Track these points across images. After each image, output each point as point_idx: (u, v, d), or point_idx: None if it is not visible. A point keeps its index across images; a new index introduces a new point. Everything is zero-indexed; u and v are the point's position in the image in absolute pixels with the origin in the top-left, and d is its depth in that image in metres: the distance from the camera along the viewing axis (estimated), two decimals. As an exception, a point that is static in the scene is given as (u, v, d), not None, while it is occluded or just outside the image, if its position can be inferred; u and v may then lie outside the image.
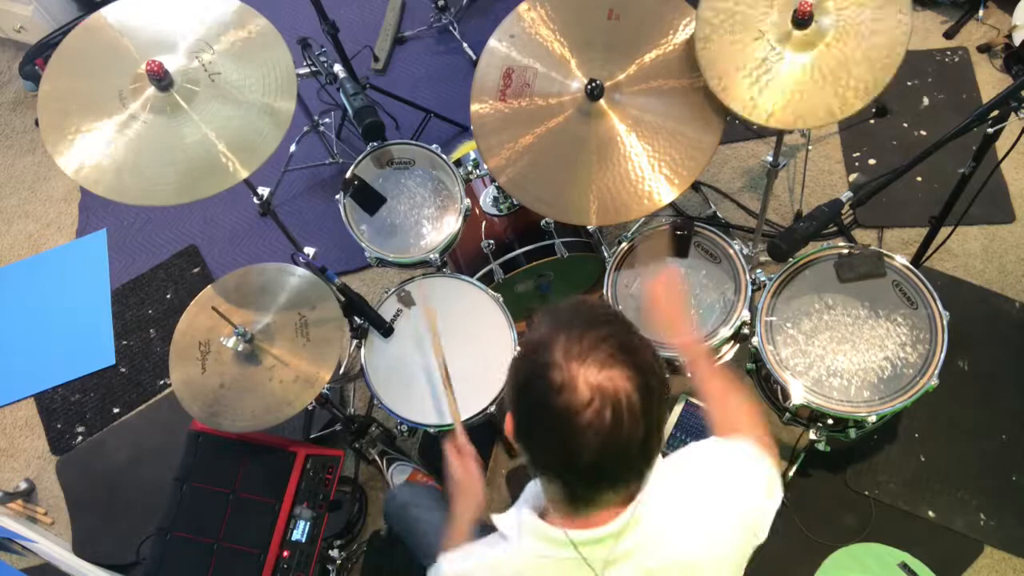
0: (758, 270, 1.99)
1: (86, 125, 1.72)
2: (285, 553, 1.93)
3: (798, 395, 1.76)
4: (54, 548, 2.43)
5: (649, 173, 1.81)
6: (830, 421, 1.83)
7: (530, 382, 0.95)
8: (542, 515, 1.06)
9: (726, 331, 1.88)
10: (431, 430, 1.90)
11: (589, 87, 1.81)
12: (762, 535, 1.12)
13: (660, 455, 1.04)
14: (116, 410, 2.74)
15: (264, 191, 2.06)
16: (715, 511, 1.08)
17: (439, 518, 1.47)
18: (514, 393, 0.99)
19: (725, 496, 1.10)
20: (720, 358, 2.04)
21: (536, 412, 0.95)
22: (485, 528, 1.14)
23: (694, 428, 2.02)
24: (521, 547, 1.06)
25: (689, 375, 1.44)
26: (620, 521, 1.01)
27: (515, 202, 2.24)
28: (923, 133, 2.71)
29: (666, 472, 1.07)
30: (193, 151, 1.71)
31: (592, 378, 0.91)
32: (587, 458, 0.93)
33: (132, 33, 1.81)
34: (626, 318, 1.01)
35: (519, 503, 1.12)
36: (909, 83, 2.80)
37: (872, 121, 2.77)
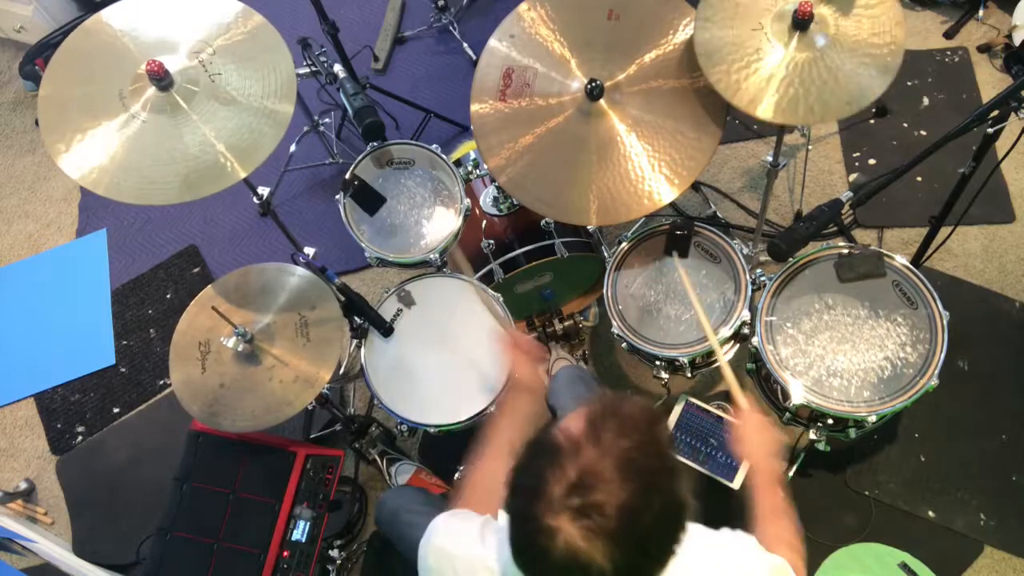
0: (758, 270, 1.99)
1: (86, 126, 1.72)
2: (285, 553, 1.93)
3: (798, 395, 1.76)
4: (54, 548, 2.43)
5: (649, 173, 1.81)
6: (830, 421, 1.83)
7: (522, 495, 0.91)
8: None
9: (726, 331, 1.88)
10: (431, 430, 1.90)
11: (589, 87, 1.81)
12: None
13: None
14: (116, 410, 2.74)
15: (264, 191, 2.06)
16: None
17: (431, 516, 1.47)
18: (510, 486, 0.95)
19: None
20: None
21: (515, 513, 0.93)
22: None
23: (694, 428, 2.02)
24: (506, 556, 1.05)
25: (751, 485, 1.44)
26: None
27: (515, 202, 2.24)
28: (923, 133, 2.71)
29: (698, 555, 1.03)
30: (193, 151, 1.71)
31: (571, 541, 0.85)
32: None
33: (132, 33, 1.81)
34: (656, 436, 0.92)
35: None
36: (909, 83, 2.80)
37: (872, 121, 2.77)
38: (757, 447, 1.46)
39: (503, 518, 1.07)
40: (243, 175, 1.70)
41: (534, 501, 0.88)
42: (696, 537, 1.02)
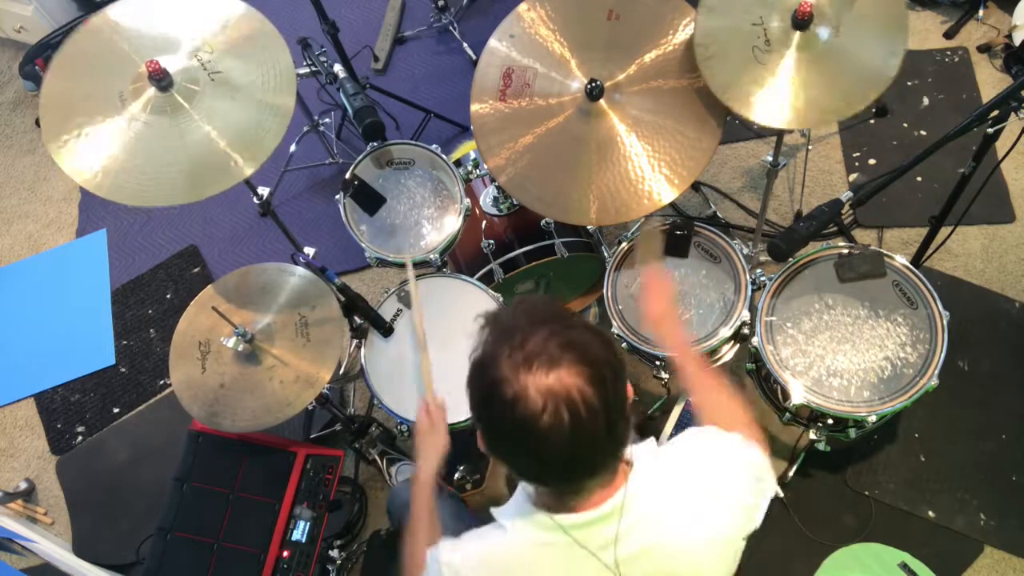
0: (758, 270, 1.99)
1: (88, 129, 1.72)
2: (285, 553, 1.93)
3: (798, 395, 1.76)
4: (54, 548, 2.43)
5: (649, 173, 1.81)
6: (830, 421, 1.83)
7: (485, 400, 0.97)
8: (535, 505, 1.08)
9: (726, 331, 1.88)
10: (431, 430, 1.89)
11: (589, 87, 1.81)
12: (755, 522, 1.14)
13: (654, 440, 1.10)
14: (116, 410, 2.74)
15: (264, 191, 2.06)
16: (709, 496, 1.10)
17: (443, 515, 1.48)
18: (475, 412, 1.01)
19: (720, 483, 1.12)
20: (719, 359, 2.04)
21: (498, 427, 0.97)
22: (477, 519, 1.15)
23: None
24: (516, 536, 1.08)
25: (679, 373, 1.46)
26: (611, 503, 1.04)
27: (515, 202, 2.24)
28: (923, 133, 2.71)
29: (662, 457, 1.10)
30: (194, 150, 1.71)
31: (541, 383, 0.92)
32: (557, 460, 0.96)
33: (131, 34, 1.81)
34: (564, 310, 1.02)
35: (516, 495, 1.14)
36: (909, 83, 2.80)
37: (872, 121, 2.77)
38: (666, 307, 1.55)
39: (499, 514, 1.12)
40: (248, 173, 1.70)
41: (499, 390, 0.94)
42: (662, 448, 1.13)
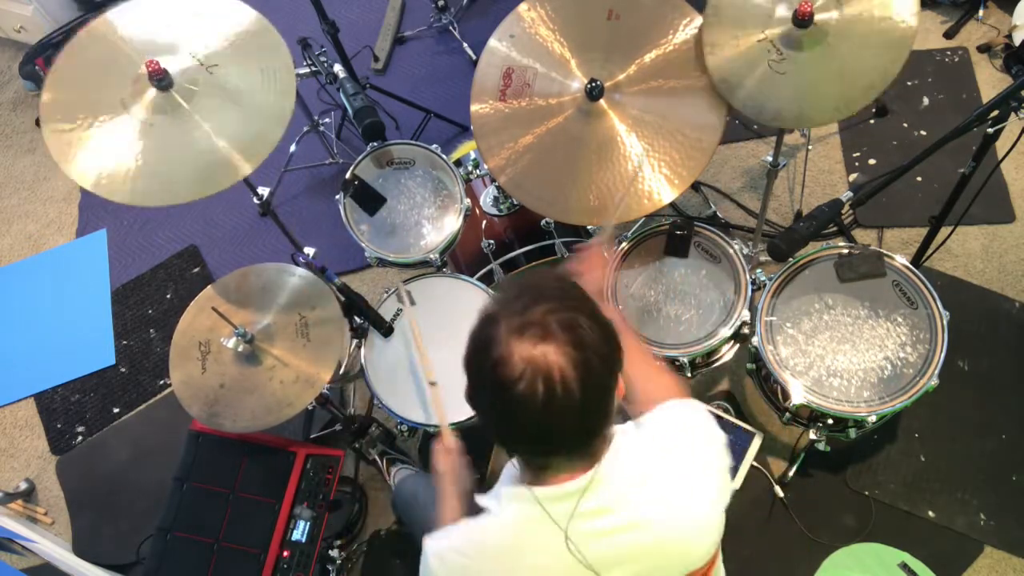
0: (758, 270, 1.99)
1: (89, 130, 1.72)
2: (285, 553, 1.93)
3: (798, 395, 1.76)
4: (54, 548, 2.43)
5: (649, 173, 1.81)
6: (830, 421, 1.83)
7: (476, 355, 1.00)
8: (517, 481, 1.10)
9: (726, 331, 1.88)
10: (431, 430, 1.89)
11: (589, 87, 1.81)
12: (727, 490, 1.14)
13: (632, 423, 1.11)
14: (116, 410, 2.74)
15: (264, 191, 2.06)
16: (701, 468, 1.11)
17: None
18: (466, 365, 1.03)
19: (705, 452, 1.14)
20: (719, 359, 2.04)
21: (480, 384, 1.00)
22: (475, 507, 1.16)
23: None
24: (503, 516, 1.10)
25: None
26: (583, 479, 1.05)
27: (515, 202, 2.24)
28: (923, 133, 2.71)
29: (641, 436, 1.13)
30: (194, 150, 1.71)
31: (526, 352, 0.94)
32: (525, 428, 0.99)
33: (131, 35, 1.81)
34: (581, 293, 1.03)
35: (500, 479, 1.16)
36: (909, 83, 2.80)
37: (872, 121, 2.77)
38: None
39: (484, 500, 1.14)
40: (249, 170, 1.70)
41: (487, 352, 0.97)
42: (639, 426, 1.15)
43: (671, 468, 1.10)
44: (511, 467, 1.18)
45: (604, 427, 1.05)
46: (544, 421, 0.97)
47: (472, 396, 1.03)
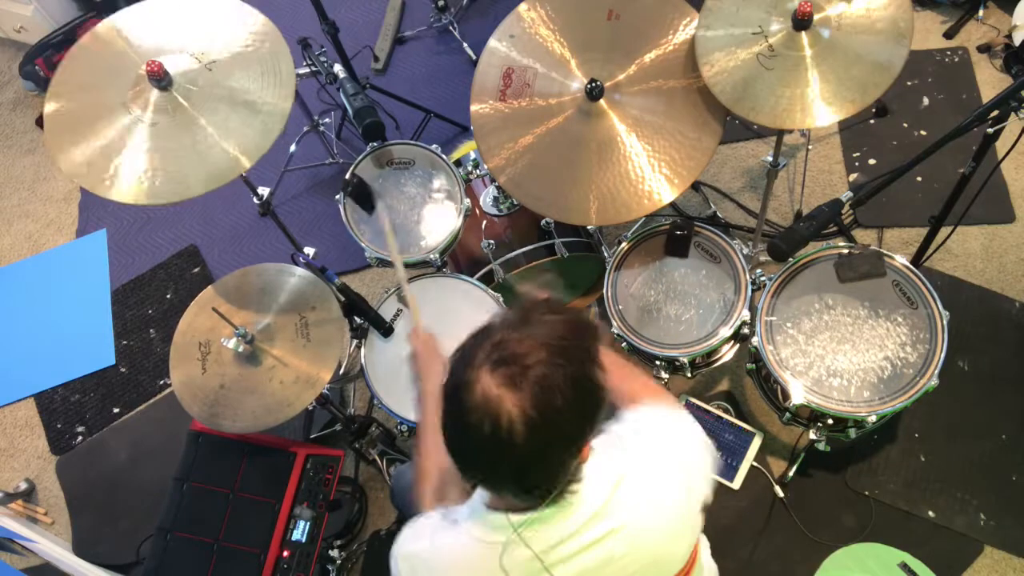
0: (758, 270, 1.99)
1: (90, 131, 1.73)
2: (285, 553, 1.93)
3: (798, 395, 1.76)
4: (54, 548, 2.43)
5: (649, 173, 1.81)
6: (830, 421, 1.83)
7: (456, 361, 0.99)
8: (489, 503, 1.08)
9: (726, 331, 1.88)
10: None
11: (589, 87, 1.81)
12: (705, 491, 1.13)
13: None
14: (116, 410, 2.74)
15: (264, 191, 2.06)
16: (649, 472, 1.10)
17: None
18: (450, 359, 1.02)
19: (684, 455, 1.13)
20: (719, 359, 2.04)
21: (447, 387, 0.99)
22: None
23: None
24: (463, 532, 1.09)
25: None
26: (549, 510, 1.03)
27: (515, 202, 2.24)
28: (923, 133, 2.71)
29: (620, 444, 1.11)
30: (194, 149, 1.71)
31: (488, 387, 0.93)
32: (471, 452, 0.98)
33: (132, 35, 1.81)
34: (584, 348, 0.98)
35: (476, 493, 1.14)
36: (909, 83, 2.80)
37: (872, 121, 2.77)
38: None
39: (458, 510, 1.13)
40: (248, 165, 1.70)
41: (462, 367, 0.96)
42: (619, 433, 1.13)
43: (639, 471, 1.08)
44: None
45: (549, 483, 1.01)
46: (486, 455, 0.96)
47: (443, 391, 1.01)
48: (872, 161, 2.69)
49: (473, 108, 1.92)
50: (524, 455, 0.94)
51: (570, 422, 0.95)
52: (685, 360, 1.91)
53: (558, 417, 0.93)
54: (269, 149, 1.72)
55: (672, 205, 2.66)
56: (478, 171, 2.16)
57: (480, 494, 1.10)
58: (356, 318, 1.96)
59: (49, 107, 1.77)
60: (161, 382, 2.75)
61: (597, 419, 0.99)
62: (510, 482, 1.00)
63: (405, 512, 1.76)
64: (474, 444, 0.95)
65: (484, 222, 2.24)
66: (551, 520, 1.03)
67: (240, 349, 1.81)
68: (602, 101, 1.83)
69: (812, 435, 1.89)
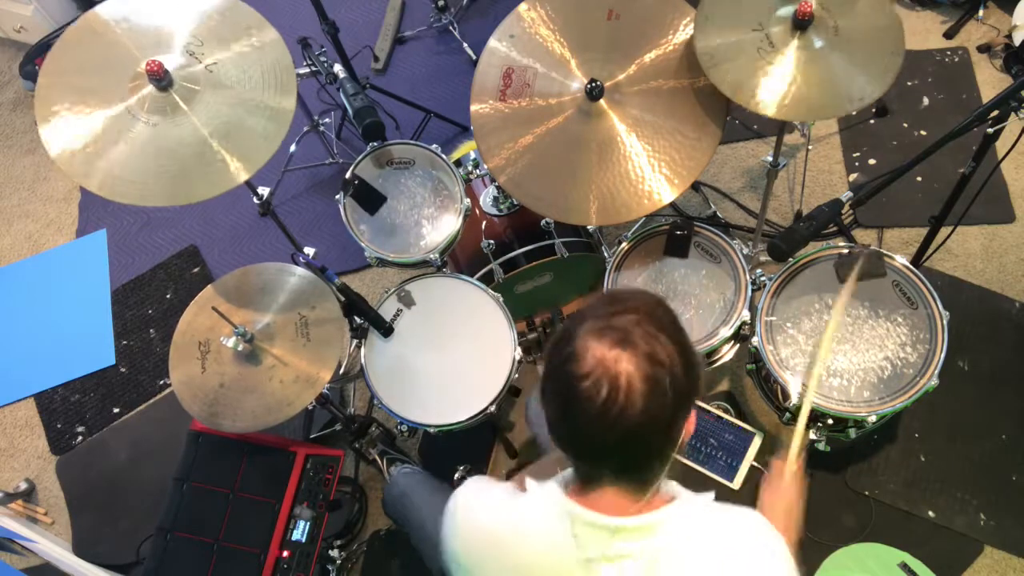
0: (758, 270, 1.99)
1: (86, 128, 1.72)
2: (285, 553, 1.93)
3: (798, 395, 1.75)
4: (54, 548, 2.43)
5: (649, 173, 1.81)
6: (830, 421, 1.83)
7: (554, 345, 1.00)
8: (562, 487, 1.07)
9: (726, 331, 1.88)
10: (431, 430, 1.90)
11: (589, 87, 1.81)
12: None
13: (712, 495, 1.08)
14: (116, 410, 2.74)
15: (264, 191, 2.06)
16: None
17: (440, 501, 1.48)
18: (544, 353, 1.03)
19: (748, 568, 1.08)
20: (720, 359, 2.03)
21: (551, 373, 1.00)
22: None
23: (698, 430, 2.02)
24: (530, 503, 1.08)
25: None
26: (630, 520, 1.01)
27: (515, 202, 2.24)
28: (923, 133, 2.71)
29: (710, 518, 1.09)
30: (193, 151, 1.71)
31: (599, 352, 0.94)
32: (580, 428, 0.97)
33: (129, 34, 1.81)
34: (673, 318, 1.01)
35: (557, 475, 1.12)
36: (909, 83, 2.80)
37: (872, 121, 2.77)
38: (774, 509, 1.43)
39: (532, 483, 1.10)
40: (245, 176, 1.69)
41: (563, 346, 0.97)
42: (715, 508, 1.11)
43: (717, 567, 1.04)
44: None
45: (658, 457, 1.01)
46: (599, 425, 0.95)
47: (543, 385, 1.02)
48: (872, 161, 2.70)
49: (473, 108, 1.92)
50: (644, 416, 0.94)
51: (679, 374, 0.96)
52: (685, 360, 1.91)
53: (670, 369, 0.95)
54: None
55: (672, 205, 2.66)
56: (478, 171, 2.16)
57: (560, 479, 1.09)
58: (356, 318, 1.96)
59: (40, 92, 1.75)
60: (161, 382, 2.75)
61: (698, 377, 1.00)
62: (616, 454, 0.99)
63: (398, 522, 1.76)
64: (590, 415, 0.94)
65: (484, 222, 2.24)
66: (605, 532, 1.02)
67: (240, 348, 1.81)
68: (602, 101, 1.83)
69: (812, 435, 1.89)
